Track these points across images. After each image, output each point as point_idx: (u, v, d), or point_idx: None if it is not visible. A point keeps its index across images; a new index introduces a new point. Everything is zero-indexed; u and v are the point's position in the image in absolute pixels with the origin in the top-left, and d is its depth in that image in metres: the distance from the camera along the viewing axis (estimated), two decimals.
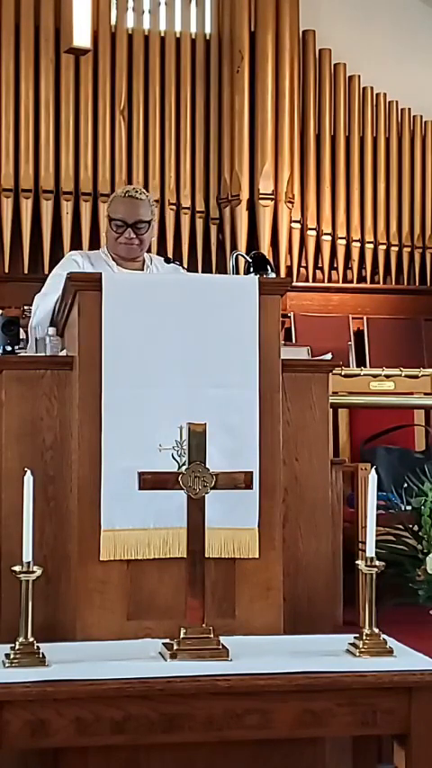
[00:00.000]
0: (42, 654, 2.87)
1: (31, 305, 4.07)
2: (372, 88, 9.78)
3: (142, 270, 4.17)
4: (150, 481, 3.03)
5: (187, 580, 3.01)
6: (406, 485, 4.78)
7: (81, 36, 8.07)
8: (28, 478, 2.91)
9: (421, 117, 9.90)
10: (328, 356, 3.92)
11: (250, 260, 4.45)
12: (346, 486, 4.75)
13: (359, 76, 9.74)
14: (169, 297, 3.38)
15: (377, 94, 9.81)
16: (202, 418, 3.05)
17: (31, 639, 2.88)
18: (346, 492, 4.78)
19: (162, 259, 4.37)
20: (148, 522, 3.29)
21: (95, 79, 9.13)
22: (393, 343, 9.15)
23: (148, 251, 4.27)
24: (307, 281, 9.50)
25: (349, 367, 7.68)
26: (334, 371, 3.94)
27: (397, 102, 9.85)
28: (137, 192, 4.15)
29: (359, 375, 5.77)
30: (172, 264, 4.33)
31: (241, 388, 3.38)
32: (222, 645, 2.97)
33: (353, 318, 9.33)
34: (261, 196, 9.26)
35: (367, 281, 9.71)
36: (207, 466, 2.99)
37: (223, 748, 2.99)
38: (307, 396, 3.56)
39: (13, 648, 2.87)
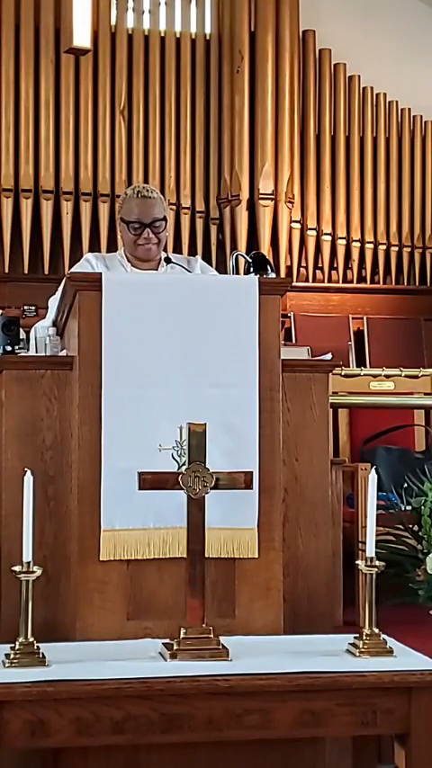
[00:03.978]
0: (42, 654, 2.87)
1: (31, 305, 4.07)
2: (372, 88, 9.79)
3: (156, 270, 4.14)
4: (150, 481, 3.03)
5: (187, 580, 3.01)
6: (406, 485, 4.78)
7: (81, 36, 8.08)
8: (28, 478, 2.91)
9: (421, 117, 9.91)
10: (328, 356, 3.92)
11: (250, 260, 4.45)
12: (346, 486, 4.74)
13: (359, 76, 9.75)
14: (169, 297, 3.38)
15: (377, 94, 9.82)
16: (202, 418, 3.05)
17: (31, 639, 2.88)
18: (346, 492, 4.78)
19: (180, 256, 4.35)
20: (147, 521, 3.29)
21: (95, 79, 9.14)
22: (393, 343, 9.16)
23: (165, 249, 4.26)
24: (307, 281, 9.51)
25: (349, 367, 7.69)
26: (334, 371, 3.93)
27: (397, 102, 9.86)
28: (148, 190, 4.10)
29: (359, 375, 5.77)
30: (186, 258, 4.32)
31: (241, 388, 3.38)
32: (222, 645, 2.97)
33: (353, 318, 9.33)
34: (261, 196, 9.26)
35: (367, 281, 9.72)
36: (207, 466, 2.99)
37: (223, 748, 2.99)
38: (307, 396, 3.56)
39: (13, 648, 2.87)
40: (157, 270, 4.14)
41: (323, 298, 9.62)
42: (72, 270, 4.11)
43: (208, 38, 9.50)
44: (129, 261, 4.15)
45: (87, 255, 4.28)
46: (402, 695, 2.87)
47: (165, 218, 4.08)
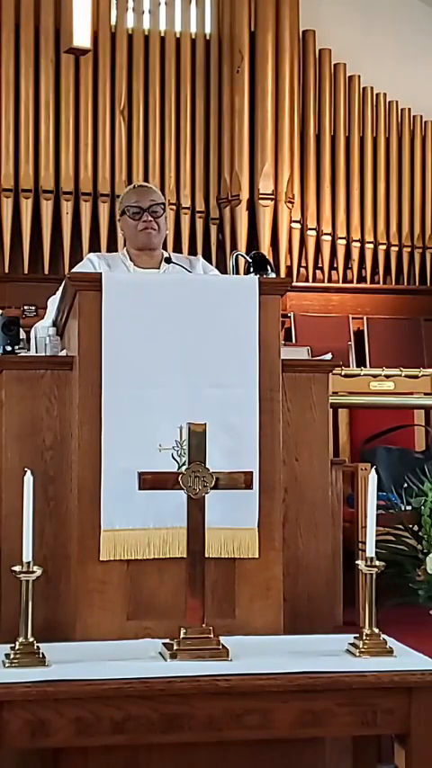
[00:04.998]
0: (42, 654, 2.87)
1: (31, 305, 4.08)
2: (372, 88, 9.79)
3: (158, 269, 4.16)
4: (150, 481, 3.03)
5: (187, 580, 3.01)
6: (406, 485, 4.78)
7: (81, 36, 8.08)
8: (28, 478, 2.91)
9: (421, 117, 9.91)
10: (328, 356, 3.92)
11: (250, 260, 4.44)
12: (346, 486, 4.74)
13: (359, 76, 9.75)
14: (169, 297, 3.38)
15: (377, 94, 9.83)
16: (202, 418, 3.05)
17: (31, 639, 2.87)
18: (346, 492, 4.78)
19: (181, 256, 4.38)
20: (147, 522, 3.29)
21: (95, 79, 9.14)
22: (393, 343, 9.16)
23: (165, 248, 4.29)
24: (307, 281, 9.51)
25: (349, 367, 7.69)
26: (334, 371, 3.93)
27: (397, 102, 9.86)
28: (147, 184, 4.22)
29: (359, 375, 5.76)
30: (187, 258, 4.34)
31: (241, 388, 3.37)
32: (222, 645, 2.97)
33: (353, 318, 9.34)
34: (261, 196, 9.27)
35: (367, 281, 9.72)
36: (207, 466, 2.99)
37: (223, 748, 2.99)
38: (307, 396, 3.56)
39: (13, 648, 2.86)
40: (159, 269, 4.15)
41: (323, 298, 9.63)
42: (74, 270, 4.12)
43: (208, 38, 9.50)
44: (131, 260, 4.17)
45: (90, 255, 4.30)
46: (402, 695, 2.87)
47: (163, 204, 4.15)
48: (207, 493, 2.99)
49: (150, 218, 4.11)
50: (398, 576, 4.39)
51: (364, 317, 9.38)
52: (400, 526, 4.62)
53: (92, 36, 8.43)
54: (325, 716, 2.84)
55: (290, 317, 8.92)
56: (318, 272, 9.63)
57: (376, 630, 3.04)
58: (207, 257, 9.12)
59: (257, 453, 3.37)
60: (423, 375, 5.81)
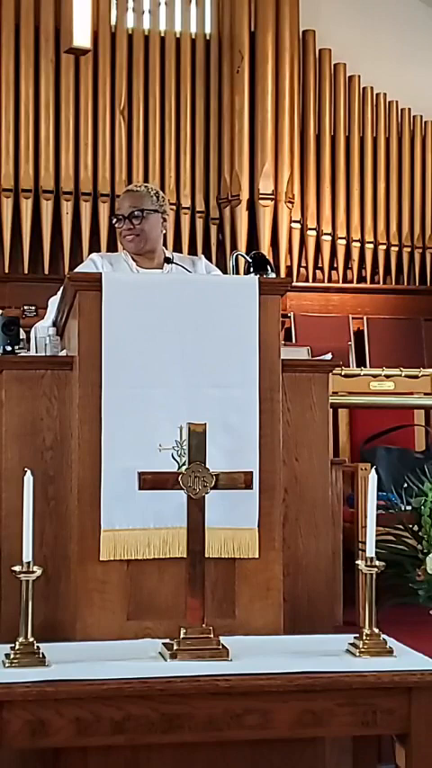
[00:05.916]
0: (42, 654, 2.87)
1: (31, 305, 4.07)
2: (372, 88, 9.79)
3: (161, 269, 4.16)
4: (150, 481, 3.03)
5: (187, 580, 3.01)
6: (406, 485, 4.78)
7: (81, 36, 8.08)
8: (28, 478, 2.91)
9: (421, 117, 9.91)
10: (328, 356, 3.92)
11: (250, 260, 4.44)
12: (346, 486, 4.74)
13: (359, 76, 9.75)
14: (169, 297, 3.38)
15: (377, 94, 9.83)
16: (202, 418, 3.05)
17: (31, 639, 2.87)
18: (346, 492, 4.78)
19: (184, 256, 4.38)
20: (147, 522, 3.29)
21: (95, 79, 9.15)
22: (393, 343, 9.16)
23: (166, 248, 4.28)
24: (307, 281, 9.51)
25: (349, 367, 7.69)
26: (334, 371, 3.93)
27: (397, 102, 9.86)
28: (137, 186, 4.25)
29: (359, 375, 5.76)
30: (189, 258, 4.34)
31: (241, 388, 3.38)
32: (222, 645, 2.97)
33: (353, 318, 9.34)
34: (261, 196, 9.27)
35: (367, 281, 9.72)
36: (207, 466, 2.99)
37: (223, 748, 2.99)
38: (307, 396, 3.56)
39: (13, 648, 2.87)
40: (162, 269, 4.15)
41: (323, 298, 9.63)
42: (77, 270, 4.12)
43: (208, 38, 9.50)
44: (134, 260, 4.17)
45: (92, 255, 4.31)
46: (402, 695, 2.87)
47: (145, 210, 4.08)
48: (207, 493, 2.99)
49: (131, 226, 4.10)
50: (398, 575, 4.39)
51: (364, 317, 9.38)
52: (400, 526, 4.62)
53: (92, 36, 8.43)
54: (325, 716, 2.84)
55: (290, 317, 8.92)
56: (318, 272, 9.63)
57: (376, 630, 3.04)
58: (207, 257, 9.09)
59: (257, 453, 3.37)
60: (423, 375, 5.81)
